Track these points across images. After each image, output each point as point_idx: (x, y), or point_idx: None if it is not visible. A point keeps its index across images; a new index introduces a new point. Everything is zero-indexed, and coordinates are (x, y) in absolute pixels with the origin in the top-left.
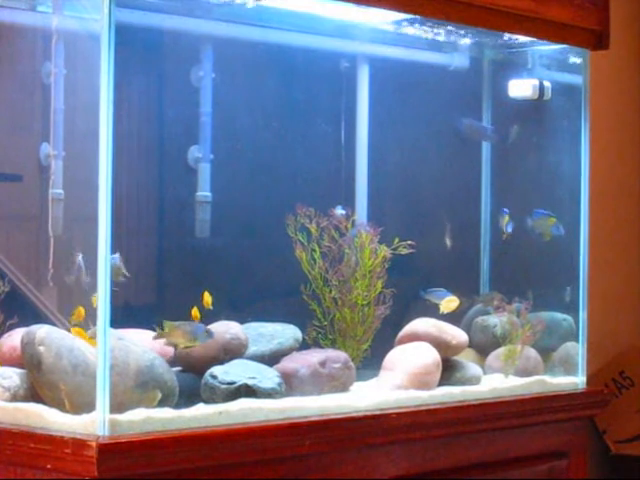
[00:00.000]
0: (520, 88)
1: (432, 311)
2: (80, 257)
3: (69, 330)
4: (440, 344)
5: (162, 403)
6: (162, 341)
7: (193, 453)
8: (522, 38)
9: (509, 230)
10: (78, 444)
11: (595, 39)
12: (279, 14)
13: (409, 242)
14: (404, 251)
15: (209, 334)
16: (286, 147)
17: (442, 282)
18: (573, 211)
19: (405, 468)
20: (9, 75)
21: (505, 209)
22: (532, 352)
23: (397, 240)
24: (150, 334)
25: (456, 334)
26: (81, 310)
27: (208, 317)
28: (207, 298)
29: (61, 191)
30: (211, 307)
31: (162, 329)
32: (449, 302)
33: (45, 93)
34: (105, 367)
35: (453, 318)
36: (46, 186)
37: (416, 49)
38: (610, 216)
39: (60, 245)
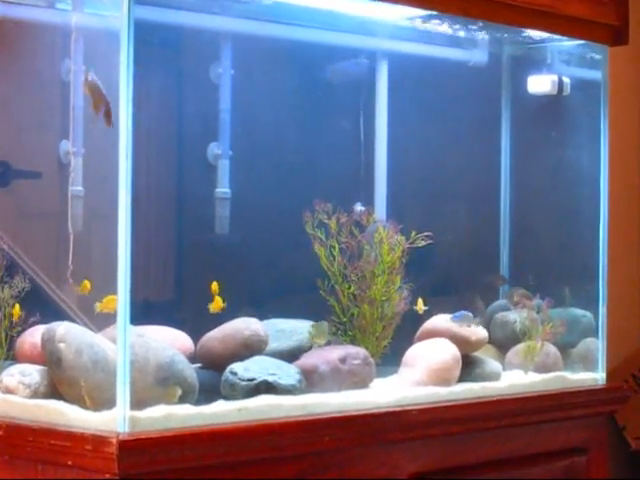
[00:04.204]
0: (539, 84)
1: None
2: None
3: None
4: (460, 340)
5: (182, 399)
6: (182, 337)
7: (213, 450)
8: (541, 34)
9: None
10: (98, 441)
11: (614, 34)
12: (298, 11)
13: (426, 233)
14: (421, 243)
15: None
16: (305, 144)
17: (462, 279)
18: (592, 208)
19: (424, 464)
20: (28, 72)
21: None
22: (551, 348)
23: (414, 233)
24: (170, 330)
25: (475, 330)
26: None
27: (228, 314)
28: (218, 303)
29: (81, 188)
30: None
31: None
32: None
33: (64, 90)
34: (125, 363)
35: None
36: (66, 183)
37: (435, 45)
38: (629, 212)
39: (80, 242)
